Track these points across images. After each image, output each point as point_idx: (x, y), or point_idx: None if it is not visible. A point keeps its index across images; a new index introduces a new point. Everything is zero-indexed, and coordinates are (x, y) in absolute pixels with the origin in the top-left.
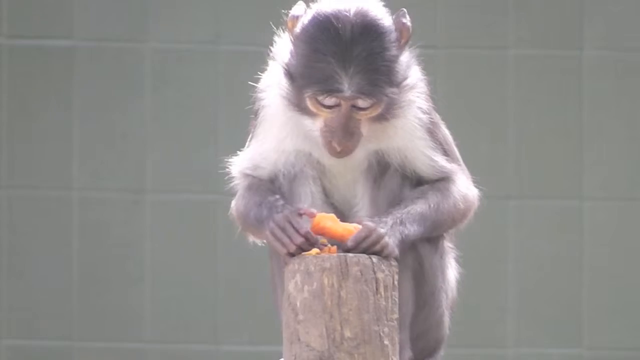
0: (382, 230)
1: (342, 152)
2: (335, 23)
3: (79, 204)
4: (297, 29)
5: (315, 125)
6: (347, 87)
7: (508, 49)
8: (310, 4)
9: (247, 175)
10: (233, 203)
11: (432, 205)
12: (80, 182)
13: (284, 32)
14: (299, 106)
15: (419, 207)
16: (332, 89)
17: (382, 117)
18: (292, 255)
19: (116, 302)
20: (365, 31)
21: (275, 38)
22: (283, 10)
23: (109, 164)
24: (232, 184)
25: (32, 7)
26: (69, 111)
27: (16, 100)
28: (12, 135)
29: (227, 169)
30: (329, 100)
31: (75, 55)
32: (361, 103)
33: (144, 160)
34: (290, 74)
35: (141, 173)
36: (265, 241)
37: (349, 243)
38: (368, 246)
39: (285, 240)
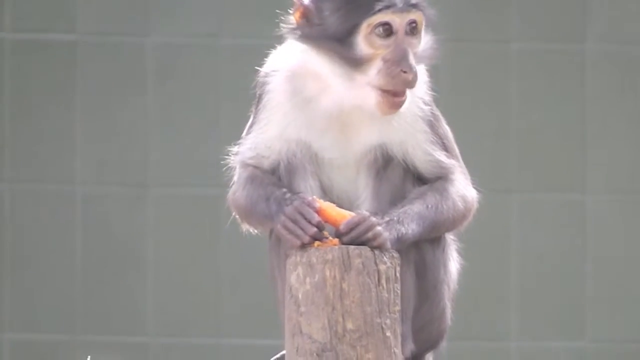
0: (375, 220)
1: (412, 82)
2: None
3: (82, 198)
4: (313, 2)
5: (370, 75)
6: (398, 1)
7: (511, 42)
8: None
9: (247, 165)
10: (231, 192)
11: (430, 206)
12: (83, 177)
13: (289, 30)
14: (350, 58)
15: (416, 207)
16: (386, 4)
17: (423, 56)
18: (304, 246)
19: (119, 295)
20: None
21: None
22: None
23: (111, 158)
24: (231, 174)
25: (35, 1)
26: (72, 105)
27: (19, 94)
28: (14, 129)
29: (227, 160)
30: (384, 19)
31: (77, 49)
32: (415, 16)
33: (146, 155)
34: (331, 33)
35: (143, 167)
36: (268, 232)
37: (341, 227)
38: (360, 233)
39: (299, 232)
